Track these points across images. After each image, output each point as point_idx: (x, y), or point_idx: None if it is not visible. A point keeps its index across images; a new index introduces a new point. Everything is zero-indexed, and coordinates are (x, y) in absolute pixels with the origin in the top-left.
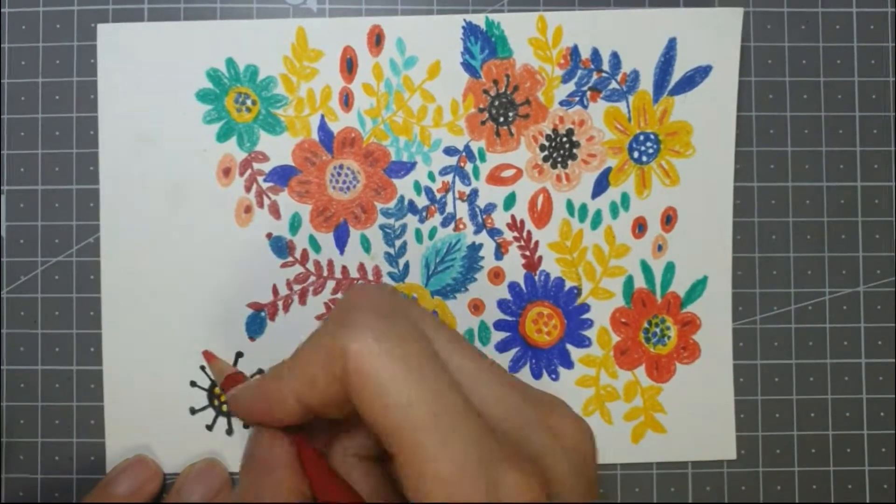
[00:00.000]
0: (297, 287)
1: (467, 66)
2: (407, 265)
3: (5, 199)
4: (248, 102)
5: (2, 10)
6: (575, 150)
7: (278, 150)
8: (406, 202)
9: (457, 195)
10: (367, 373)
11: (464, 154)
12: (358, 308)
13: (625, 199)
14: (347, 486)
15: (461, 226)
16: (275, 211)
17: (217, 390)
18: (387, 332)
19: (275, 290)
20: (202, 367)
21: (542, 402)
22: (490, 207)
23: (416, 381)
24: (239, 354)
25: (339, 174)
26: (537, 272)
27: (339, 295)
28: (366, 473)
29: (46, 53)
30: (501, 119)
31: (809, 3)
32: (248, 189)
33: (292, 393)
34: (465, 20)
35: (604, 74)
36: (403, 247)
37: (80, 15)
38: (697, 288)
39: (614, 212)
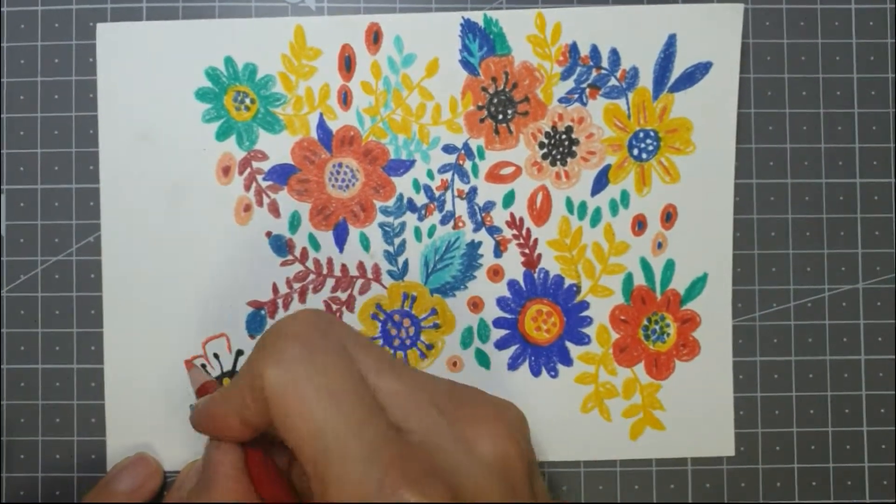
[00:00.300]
0: (296, 285)
1: (466, 64)
2: (406, 263)
3: (5, 198)
4: (247, 101)
5: (1, 9)
6: (574, 148)
7: (277, 148)
8: (405, 200)
9: (456, 193)
10: (280, 398)
11: (463, 152)
12: (283, 336)
13: (624, 196)
14: (291, 490)
15: (460, 224)
16: (274, 209)
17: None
18: (304, 358)
19: (275, 289)
20: (203, 366)
21: (468, 414)
22: (489, 205)
23: (323, 405)
24: (239, 353)
25: (338, 172)
26: (536, 270)
27: (339, 293)
28: None
29: (45, 52)
30: (500, 117)
31: None
32: (247, 188)
33: (233, 411)
34: (463, 17)
35: (603, 71)
36: (403, 245)
37: (78, 14)
38: (697, 285)
39: (614, 209)
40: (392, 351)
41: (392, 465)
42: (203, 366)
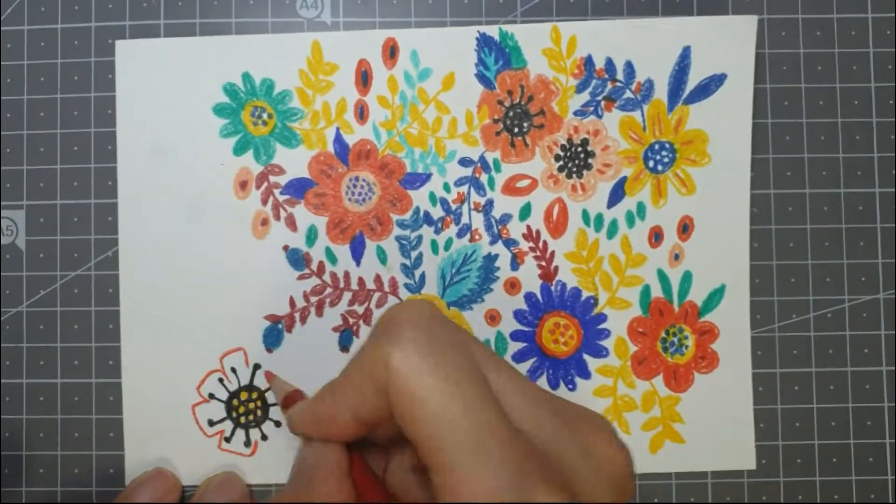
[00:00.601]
0: (313, 299)
1: (481, 78)
2: (423, 276)
3: (25, 213)
4: (265, 116)
5: (23, 27)
6: (590, 160)
7: (294, 162)
8: (421, 213)
9: (472, 206)
10: (406, 383)
11: (479, 165)
12: (402, 321)
13: (640, 208)
14: (389, 496)
15: (477, 236)
16: (291, 223)
17: (235, 402)
18: (429, 345)
19: (291, 302)
20: (220, 380)
21: (583, 425)
22: (505, 218)
23: (453, 396)
24: (256, 366)
25: (354, 186)
26: (553, 282)
27: (356, 307)
28: (425, 486)
29: (65, 70)
30: (516, 129)
31: (824, 9)
32: (264, 202)
33: (345, 408)
34: (478, 31)
35: (618, 84)
36: (419, 258)
37: (97, 31)
38: (715, 297)
39: (630, 221)
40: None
41: (526, 463)
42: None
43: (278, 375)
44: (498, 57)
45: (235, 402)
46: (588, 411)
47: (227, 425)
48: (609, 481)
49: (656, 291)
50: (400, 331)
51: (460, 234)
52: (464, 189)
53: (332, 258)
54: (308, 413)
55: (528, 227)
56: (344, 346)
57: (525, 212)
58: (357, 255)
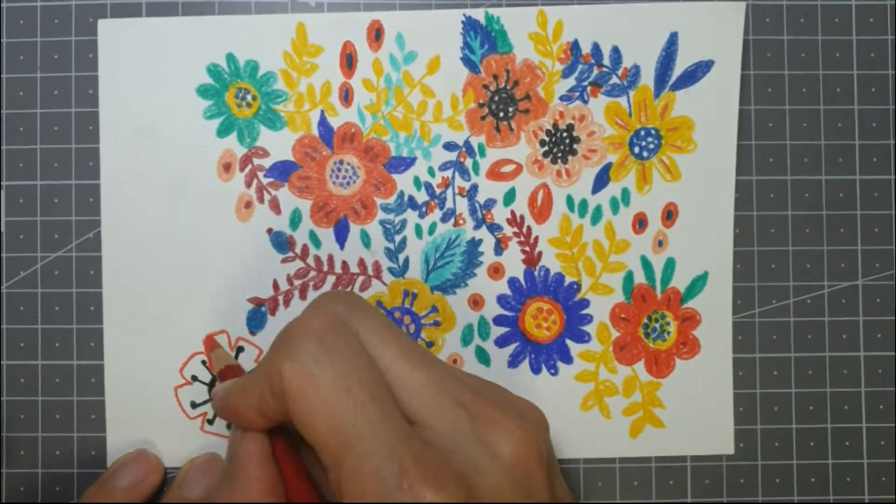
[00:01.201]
0: (297, 282)
1: (467, 61)
2: (407, 260)
3: (5, 194)
4: (249, 98)
5: (1, 4)
6: (575, 146)
7: (278, 145)
8: (406, 197)
9: (457, 190)
10: (297, 394)
11: (464, 149)
12: (297, 334)
13: (625, 194)
14: (312, 486)
15: (461, 221)
16: (275, 206)
17: (217, 384)
18: (319, 356)
19: (275, 285)
20: (203, 362)
21: (491, 414)
22: (490, 203)
23: (340, 400)
24: (240, 349)
25: (339, 169)
26: (537, 267)
27: (340, 290)
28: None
29: (45, 48)
30: (501, 114)
31: None
32: (248, 184)
33: (252, 405)
34: (464, 15)
35: (604, 69)
36: (403, 242)
37: (78, 10)
38: (698, 284)
39: (615, 207)
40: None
41: (410, 461)
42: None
43: (221, 345)
44: (484, 41)
45: (218, 384)
46: (512, 399)
47: (210, 407)
48: (511, 468)
49: (639, 278)
50: (293, 344)
51: (444, 219)
52: (448, 173)
53: (317, 241)
54: (223, 401)
55: (513, 213)
56: None
57: (509, 197)
58: (341, 238)
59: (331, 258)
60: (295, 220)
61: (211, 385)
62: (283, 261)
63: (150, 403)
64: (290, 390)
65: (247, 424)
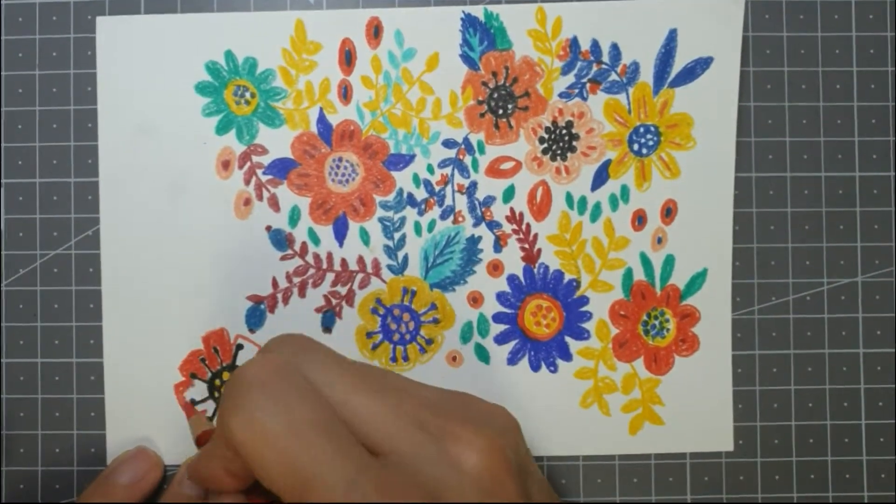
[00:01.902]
0: (296, 280)
1: (466, 58)
2: (406, 258)
3: (4, 192)
4: (247, 95)
5: None
6: (574, 143)
7: (277, 142)
8: (405, 195)
9: (456, 188)
10: (248, 446)
11: (463, 146)
12: (242, 383)
13: (624, 191)
14: None
15: (460, 218)
16: (274, 203)
17: (217, 382)
18: (266, 404)
19: (274, 283)
20: (202, 360)
21: (448, 430)
22: (489, 200)
23: (291, 442)
24: (238, 347)
25: (338, 167)
26: (536, 265)
27: (339, 288)
28: None
29: (43, 45)
30: (500, 111)
31: None
32: (247, 182)
33: (219, 467)
34: (463, 12)
35: (603, 66)
36: (402, 239)
37: (76, 7)
38: (697, 281)
39: (614, 204)
40: (391, 346)
41: (372, 489)
42: (202, 409)
43: (198, 411)
44: (483, 38)
45: (218, 382)
46: (476, 407)
47: (210, 405)
48: (479, 479)
49: (639, 275)
50: (238, 396)
51: (444, 216)
52: (448, 171)
53: (315, 239)
54: (193, 468)
55: (512, 210)
56: (326, 326)
57: (509, 194)
58: (340, 236)
59: (330, 256)
60: (294, 217)
61: (210, 383)
62: (282, 258)
63: (150, 401)
64: (241, 444)
65: (221, 488)
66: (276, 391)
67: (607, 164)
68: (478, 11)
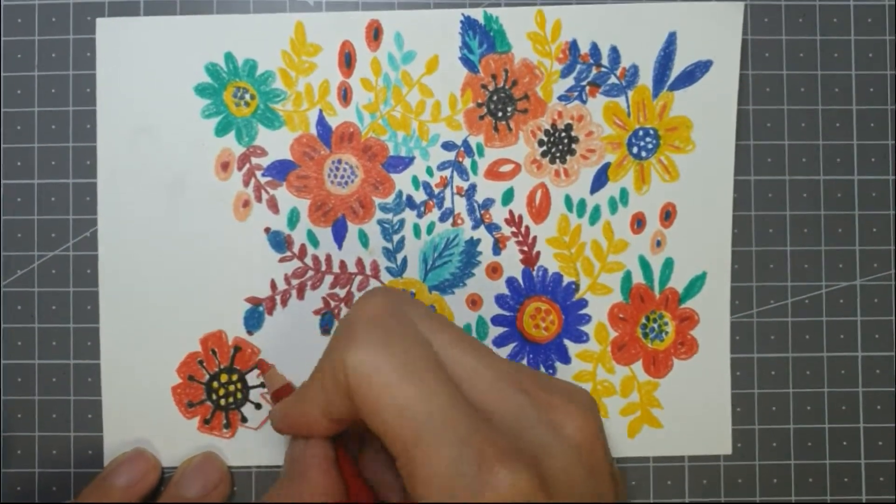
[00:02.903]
0: (295, 281)
1: (465, 61)
2: (405, 260)
3: (2, 192)
4: (247, 97)
5: None
6: (574, 146)
7: (276, 144)
8: (404, 197)
9: (455, 190)
10: (363, 381)
11: (462, 149)
12: (357, 321)
13: (624, 194)
14: (372, 493)
15: (459, 221)
16: (273, 205)
17: (215, 384)
18: (382, 342)
19: (273, 285)
20: (200, 362)
21: (547, 397)
22: (488, 202)
23: (408, 387)
24: (237, 349)
25: (337, 169)
26: (535, 267)
27: (338, 290)
28: (396, 473)
29: (42, 47)
30: (500, 114)
31: None
32: (246, 183)
33: (316, 408)
34: (463, 14)
35: (603, 69)
36: (401, 241)
37: (76, 8)
38: (696, 284)
39: (613, 207)
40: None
41: (487, 445)
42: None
43: (274, 366)
44: (482, 40)
45: (215, 384)
46: (559, 382)
47: (207, 407)
48: (577, 448)
49: (637, 278)
50: (354, 331)
51: (443, 219)
52: (447, 173)
53: (314, 241)
54: (284, 413)
55: (511, 212)
56: (325, 328)
57: (508, 196)
58: (339, 238)
59: (329, 258)
60: (293, 219)
61: (208, 385)
62: (281, 260)
63: (147, 403)
64: (354, 379)
65: (312, 432)
66: (391, 330)
67: (606, 167)
68: (477, 14)
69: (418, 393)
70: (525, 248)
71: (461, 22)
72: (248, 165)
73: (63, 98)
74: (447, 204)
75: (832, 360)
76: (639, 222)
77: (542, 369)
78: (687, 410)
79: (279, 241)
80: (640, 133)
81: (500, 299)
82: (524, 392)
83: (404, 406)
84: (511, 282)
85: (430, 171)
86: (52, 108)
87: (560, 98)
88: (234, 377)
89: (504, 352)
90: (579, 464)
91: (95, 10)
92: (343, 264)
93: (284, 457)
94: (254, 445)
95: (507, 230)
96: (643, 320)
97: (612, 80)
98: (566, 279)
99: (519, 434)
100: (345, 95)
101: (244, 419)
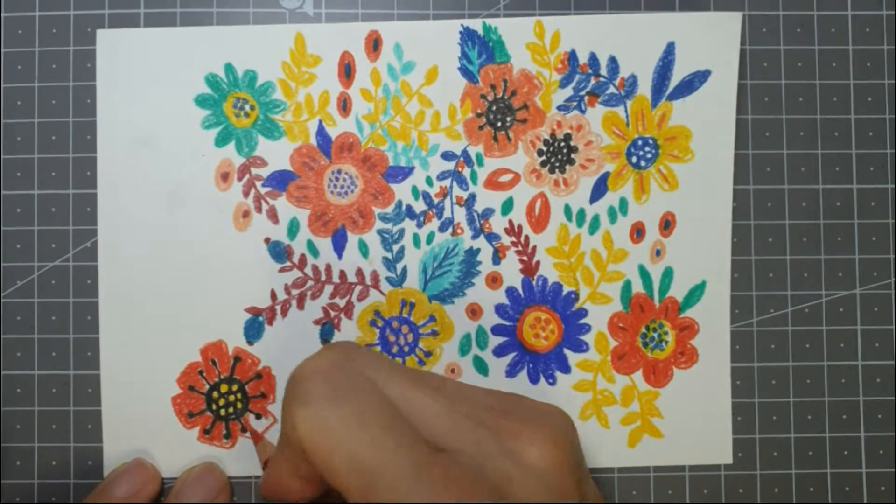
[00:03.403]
0: (295, 292)
1: (465, 71)
2: (405, 270)
3: (2, 203)
4: (247, 108)
5: None
6: (573, 155)
7: (276, 155)
8: (404, 207)
9: (454, 200)
10: (313, 436)
11: (461, 159)
12: (303, 378)
13: (623, 203)
14: None
15: (459, 230)
16: (273, 216)
17: (215, 394)
18: (330, 396)
19: (273, 295)
20: (200, 372)
21: (513, 426)
22: (488, 212)
23: (357, 437)
24: (237, 359)
25: (337, 179)
26: (535, 277)
27: (338, 300)
28: None
29: (43, 58)
30: (499, 124)
31: (805, 5)
32: (246, 194)
33: (286, 471)
34: (462, 25)
35: (602, 79)
36: (401, 251)
37: (76, 20)
38: (696, 293)
39: (612, 217)
40: (390, 357)
41: (439, 479)
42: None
43: (266, 438)
44: (481, 51)
45: (215, 394)
46: (531, 406)
47: (207, 417)
48: (543, 474)
49: (637, 287)
50: (301, 388)
51: (442, 228)
52: (446, 183)
53: (314, 251)
54: (264, 482)
55: (510, 222)
56: (325, 338)
57: (507, 206)
58: (339, 248)
59: (329, 268)
60: (293, 229)
61: (208, 395)
62: (281, 270)
63: (147, 413)
64: (304, 436)
65: (291, 496)
66: (338, 383)
67: (606, 176)
68: (476, 25)
69: (367, 441)
70: (525, 258)
71: (460, 32)
72: (247, 176)
73: (63, 109)
74: (447, 214)
75: (832, 368)
76: (638, 231)
77: (543, 379)
78: (687, 420)
79: (279, 252)
80: (639, 143)
81: (499, 309)
82: (483, 426)
83: (354, 456)
84: (511, 291)
85: (429, 181)
86: (52, 118)
87: (559, 108)
88: (234, 387)
89: (504, 361)
90: (545, 490)
91: (96, 22)
92: (343, 274)
93: None
94: (254, 455)
95: (506, 240)
96: (643, 329)
97: (611, 89)
98: (566, 289)
99: (480, 467)
100: (344, 106)
101: (244, 429)
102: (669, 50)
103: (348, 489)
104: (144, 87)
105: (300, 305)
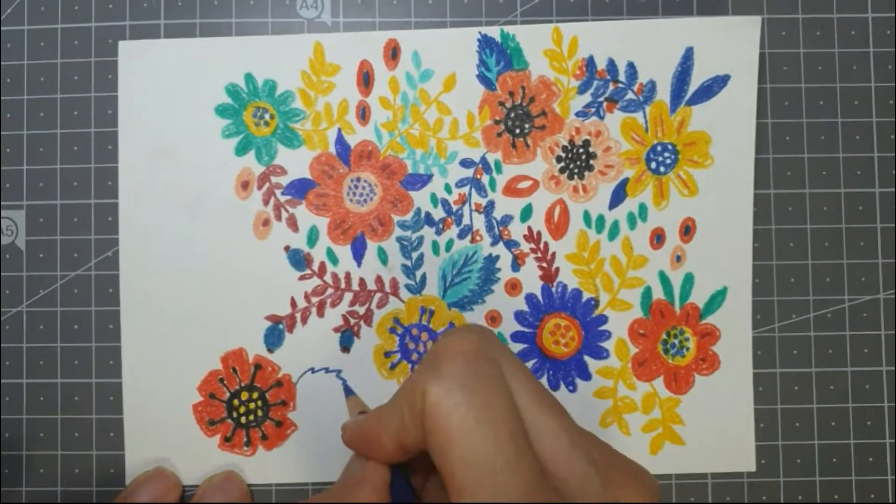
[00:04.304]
0: (314, 299)
1: (483, 79)
2: (424, 277)
3: (25, 213)
4: (267, 117)
5: (22, 27)
6: (592, 162)
7: (296, 163)
8: (423, 214)
9: (473, 207)
10: (438, 417)
11: (480, 166)
12: (446, 354)
13: (642, 209)
14: None
15: (478, 238)
16: (292, 224)
17: (235, 402)
18: (467, 381)
19: (293, 303)
20: (221, 380)
21: (613, 474)
22: (507, 219)
23: (481, 433)
24: (257, 367)
25: (356, 187)
26: (554, 284)
27: (357, 308)
28: None
29: (65, 69)
30: (517, 131)
31: (824, 8)
32: (266, 202)
33: (389, 433)
34: (480, 32)
35: (620, 85)
36: (420, 259)
37: (97, 31)
38: (717, 299)
39: (632, 223)
40: (410, 365)
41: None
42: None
43: (356, 395)
44: (499, 58)
45: (236, 402)
46: (624, 459)
47: (228, 425)
48: None
49: (657, 293)
50: (441, 365)
51: (461, 236)
52: (465, 190)
53: (334, 259)
54: (356, 431)
55: (529, 229)
56: (345, 346)
57: (526, 213)
58: (358, 255)
59: (348, 275)
60: (312, 237)
61: (229, 403)
62: (301, 278)
63: (168, 421)
64: (431, 411)
65: (380, 454)
66: (477, 370)
67: (625, 182)
68: (494, 32)
69: (489, 442)
70: (544, 265)
71: (478, 40)
72: (267, 184)
73: (85, 120)
74: (466, 221)
75: (856, 374)
76: (658, 237)
77: (563, 386)
78: (709, 427)
79: (299, 259)
80: (659, 148)
81: (519, 316)
82: (593, 463)
83: (472, 452)
84: (530, 298)
85: (448, 189)
86: (74, 129)
87: (577, 114)
88: (255, 395)
89: None
90: None
91: (117, 33)
92: (362, 282)
93: (343, 470)
94: (274, 463)
95: (525, 246)
96: (664, 336)
97: (630, 95)
98: (586, 295)
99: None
100: (363, 114)
101: (265, 437)
102: (688, 55)
103: (453, 479)
104: (165, 98)
105: (320, 313)
